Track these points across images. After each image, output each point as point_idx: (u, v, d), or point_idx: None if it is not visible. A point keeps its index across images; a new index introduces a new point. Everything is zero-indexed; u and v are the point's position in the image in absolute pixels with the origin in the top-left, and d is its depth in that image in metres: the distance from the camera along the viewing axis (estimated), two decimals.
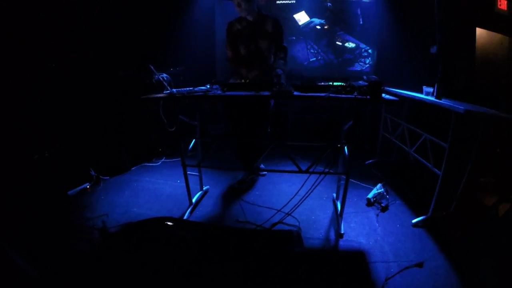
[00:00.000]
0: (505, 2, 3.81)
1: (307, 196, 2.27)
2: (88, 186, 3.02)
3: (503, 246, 2.09)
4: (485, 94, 3.27)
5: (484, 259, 1.97)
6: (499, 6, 3.82)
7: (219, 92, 2.11)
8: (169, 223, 1.49)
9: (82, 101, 3.34)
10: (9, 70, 2.76)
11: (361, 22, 4.68)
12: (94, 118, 3.42)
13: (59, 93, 3.14)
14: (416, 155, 2.78)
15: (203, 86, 2.20)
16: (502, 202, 2.40)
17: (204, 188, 2.92)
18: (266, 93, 1.98)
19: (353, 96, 1.88)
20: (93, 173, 3.13)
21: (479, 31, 3.85)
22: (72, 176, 2.97)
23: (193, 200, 2.64)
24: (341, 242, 2.16)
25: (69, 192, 2.86)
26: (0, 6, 2.66)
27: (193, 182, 2.63)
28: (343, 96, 1.93)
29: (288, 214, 2.39)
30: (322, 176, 2.22)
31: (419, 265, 1.84)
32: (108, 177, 3.26)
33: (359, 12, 4.65)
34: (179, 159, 2.58)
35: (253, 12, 2.59)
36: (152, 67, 2.62)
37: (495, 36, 3.97)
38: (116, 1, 3.79)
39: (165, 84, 2.24)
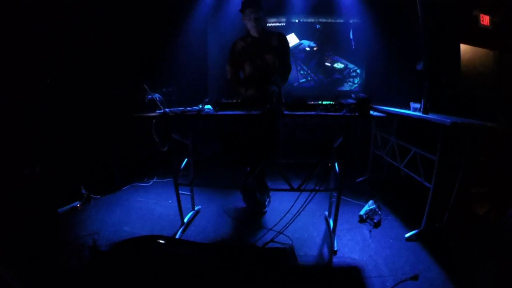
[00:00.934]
0: (488, 18, 4.00)
1: (298, 214, 2.27)
2: (78, 204, 2.98)
3: (496, 253, 2.11)
4: (472, 107, 3.38)
5: (479, 268, 1.98)
6: (482, 22, 4.00)
7: (211, 111, 2.14)
8: (161, 241, 1.47)
9: (75, 118, 3.35)
10: (5, 84, 2.78)
11: (349, 43, 4.85)
12: (86, 136, 3.42)
13: (53, 109, 3.15)
14: (406, 169, 2.83)
15: (196, 106, 2.23)
16: (493, 210, 2.44)
17: (196, 208, 2.90)
18: (257, 112, 2.02)
19: (342, 114, 1.94)
20: (84, 191, 3.10)
21: (464, 46, 4.00)
22: (63, 193, 2.95)
23: (185, 220, 2.61)
24: (335, 259, 2.16)
25: (59, 210, 2.82)
26: None
27: (185, 202, 2.61)
28: (332, 113, 1.98)
29: (280, 232, 2.38)
30: (313, 193, 2.23)
31: (414, 277, 1.83)
32: (99, 196, 3.23)
33: (347, 33, 4.83)
34: (171, 179, 2.58)
35: (261, 28, 2.62)
36: (145, 86, 2.66)
37: (480, 51, 4.14)
38: (110, 20, 3.87)
39: (158, 103, 2.27)
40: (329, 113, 1.98)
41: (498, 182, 2.72)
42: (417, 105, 2.64)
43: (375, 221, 2.66)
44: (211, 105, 2.20)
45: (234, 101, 2.31)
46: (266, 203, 2.96)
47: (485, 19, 4.00)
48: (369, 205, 2.79)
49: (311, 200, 2.21)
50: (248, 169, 2.71)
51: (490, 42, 4.05)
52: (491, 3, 3.86)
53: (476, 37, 4.00)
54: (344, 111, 1.96)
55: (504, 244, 2.18)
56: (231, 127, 2.75)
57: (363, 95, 2.13)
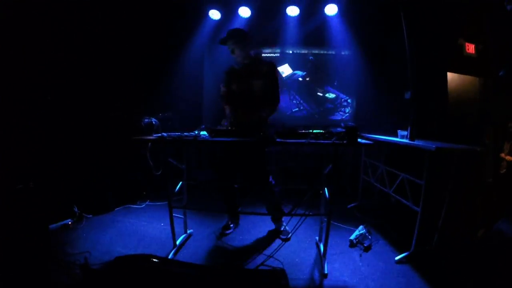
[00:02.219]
0: (473, 46, 4.19)
1: (289, 237, 2.32)
2: (70, 222, 3.00)
3: (485, 270, 2.16)
4: (461, 132, 3.53)
5: (469, 285, 2.03)
6: (467, 51, 4.19)
7: (207, 137, 2.23)
8: (154, 260, 1.51)
9: (71, 137, 3.42)
10: (4, 98, 2.87)
11: (340, 74, 5.07)
12: (81, 155, 3.48)
13: (50, 126, 3.24)
14: (395, 195, 2.91)
15: (191, 131, 2.33)
16: (480, 228, 2.53)
17: (188, 232, 2.92)
18: (250, 139, 2.12)
19: (331, 142, 2.05)
20: (76, 209, 3.11)
21: (451, 75, 4.18)
22: (55, 210, 2.95)
23: (177, 242, 2.64)
24: (326, 282, 2.19)
25: (51, 226, 2.82)
26: None
27: (178, 225, 2.64)
28: (322, 141, 2.08)
29: (271, 256, 2.42)
30: (303, 218, 2.30)
31: None
32: (91, 215, 3.25)
33: (338, 64, 5.06)
34: (163, 202, 2.62)
35: (248, 57, 2.73)
36: (143, 111, 2.78)
37: (467, 78, 4.31)
38: (109, 44, 4.04)
39: (155, 127, 2.37)
40: (319, 141, 2.08)
41: (484, 201, 2.82)
42: (404, 133, 2.77)
43: (365, 245, 2.70)
44: (206, 131, 2.30)
45: (229, 128, 2.41)
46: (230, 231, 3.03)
47: (470, 48, 4.20)
48: (359, 230, 2.84)
49: (301, 224, 2.28)
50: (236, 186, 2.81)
51: (475, 69, 4.20)
52: (475, 32, 4.04)
53: (462, 65, 4.17)
54: (333, 139, 2.08)
55: (490, 260, 2.23)
56: (223, 154, 2.82)
57: (351, 124, 2.25)
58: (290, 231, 2.88)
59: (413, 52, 2.81)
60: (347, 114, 5.12)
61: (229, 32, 2.70)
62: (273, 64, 2.80)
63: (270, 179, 2.81)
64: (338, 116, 5.13)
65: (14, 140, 2.91)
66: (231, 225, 3.07)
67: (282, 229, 2.94)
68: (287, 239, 2.81)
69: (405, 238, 2.65)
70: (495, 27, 3.35)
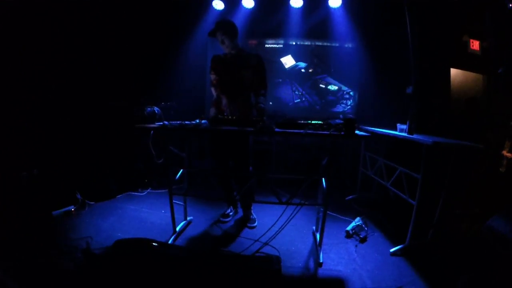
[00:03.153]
0: (477, 43, 4.18)
1: (285, 226, 2.38)
2: (73, 209, 3.06)
3: (477, 264, 2.20)
4: (463, 128, 3.54)
5: (462, 279, 2.06)
6: (471, 47, 4.19)
7: (208, 126, 2.27)
8: (153, 244, 1.56)
9: (75, 125, 3.49)
10: (8, 88, 2.93)
11: (343, 66, 5.05)
12: (84, 143, 3.55)
13: (53, 114, 3.30)
14: (392, 188, 2.94)
15: (193, 121, 2.38)
16: (474, 224, 2.56)
17: (188, 219, 2.98)
18: (250, 128, 2.16)
19: (328, 133, 2.08)
20: (79, 196, 3.18)
21: (455, 71, 4.17)
22: (58, 196, 3.02)
23: (177, 229, 2.70)
24: (320, 271, 2.24)
25: (54, 212, 2.89)
26: None
27: (178, 213, 2.70)
28: (319, 132, 2.11)
29: (266, 243, 2.49)
30: (299, 207, 2.35)
31: None
32: (93, 202, 3.31)
33: (341, 56, 5.05)
34: (164, 190, 2.67)
35: (236, 48, 2.82)
36: (145, 100, 2.81)
37: (470, 75, 4.31)
38: (114, 35, 4.07)
39: (157, 115, 2.41)
40: (316, 132, 2.11)
41: (480, 198, 2.84)
42: (403, 126, 2.78)
43: (361, 236, 2.74)
44: (208, 120, 2.34)
45: (230, 117, 2.45)
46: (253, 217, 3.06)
47: (474, 44, 4.19)
48: (356, 222, 2.88)
49: (297, 213, 2.33)
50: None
51: (479, 66, 4.20)
52: (480, 29, 4.02)
53: (466, 62, 4.17)
54: (331, 130, 2.10)
55: (481, 256, 2.27)
56: (224, 142, 2.87)
57: (350, 116, 2.27)
58: (256, 220, 3.03)
59: (416, 47, 2.80)
60: (349, 107, 5.13)
61: (217, 23, 2.76)
62: (260, 56, 2.87)
63: (250, 169, 2.92)
64: (340, 108, 5.15)
65: (19, 129, 2.97)
66: (230, 213, 3.14)
67: (251, 217, 3.04)
68: (252, 227, 2.93)
69: (401, 231, 2.67)
70: (497, 25, 3.33)
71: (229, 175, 2.93)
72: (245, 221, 3.03)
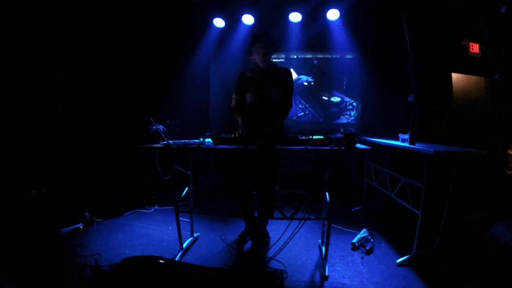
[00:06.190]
0: (477, 46, 4.16)
1: (290, 240, 2.40)
2: (81, 226, 3.13)
3: (482, 275, 2.18)
4: (466, 134, 3.50)
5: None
6: (471, 51, 4.17)
7: (211, 145, 2.33)
8: (161, 261, 1.60)
9: (82, 144, 3.60)
10: (19, 107, 3.04)
11: (345, 77, 5.11)
12: (91, 162, 3.65)
13: (62, 135, 3.42)
14: (397, 198, 2.94)
15: (197, 139, 2.43)
16: (480, 232, 2.54)
17: (194, 235, 3.02)
18: (253, 147, 2.20)
19: (329, 148, 2.11)
20: (87, 214, 3.25)
21: (456, 75, 4.14)
22: (67, 214, 3.11)
23: (184, 245, 2.73)
24: (326, 284, 2.24)
25: (63, 230, 2.97)
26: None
27: (185, 229, 2.74)
28: (320, 147, 2.15)
29: (272, 258, 2.51)
30: (303, 221, 2.38)
31: None
32: (101, 220, 3.38)
33: (343, 68, 5.10)
34: (171, 207, 2.71)
35: (269, 62, 2.75)
36: (150, 119, 2.90)
37: (472, 79, 4.27)
38: (119, 53, 4.20)
39: (162, 134, 2.49)
40: (317, 147, 2.15)
41: (486, 202, 2.82)
42: (405, 136, 2.77)
43: (367, 248, 2.73)
44: (211, 138, 2.40)
45: (232, 136, 2.49)
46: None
47: (474, 47, 4.18)
48: (362, 233, 2.88)
49: (301, 227, 2.35)
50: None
51: (481, 69, 4.14)
52: (479, 31, 3.93)
53: (467, 65, 4.15)
54: (332, 145, 2.14)
55: (486, 265, 2.25)
56: (231, 160, 2.90)
57: (351, 129, 2.30)
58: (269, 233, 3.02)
59: (415, 54, 2.83)
60: (353, 118, 5.15)
61: (267, 34, 2.68)
62: (289, 71, 2.83)
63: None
64: (343, 120, 5.18)
65: (28, 148, 3.07)
66: (247, 238, 3.04)
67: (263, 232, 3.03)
68: (267, 242, 2.94)
69: (407, 241, 2.67)
70: (491, 30, 3.35)
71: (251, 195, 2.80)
72: (261, 236, 3.01)
